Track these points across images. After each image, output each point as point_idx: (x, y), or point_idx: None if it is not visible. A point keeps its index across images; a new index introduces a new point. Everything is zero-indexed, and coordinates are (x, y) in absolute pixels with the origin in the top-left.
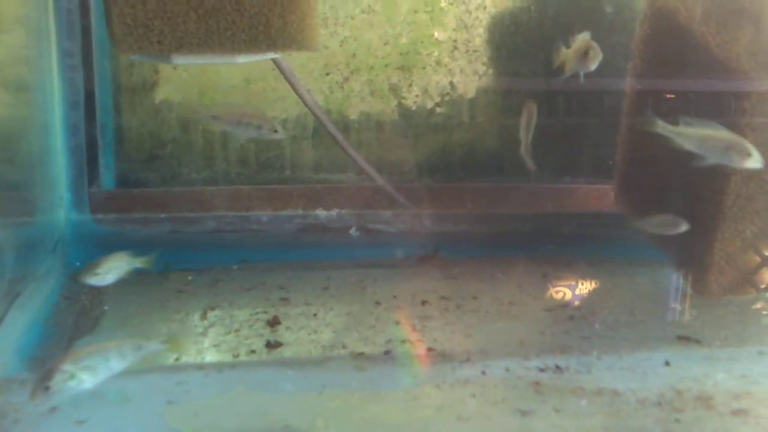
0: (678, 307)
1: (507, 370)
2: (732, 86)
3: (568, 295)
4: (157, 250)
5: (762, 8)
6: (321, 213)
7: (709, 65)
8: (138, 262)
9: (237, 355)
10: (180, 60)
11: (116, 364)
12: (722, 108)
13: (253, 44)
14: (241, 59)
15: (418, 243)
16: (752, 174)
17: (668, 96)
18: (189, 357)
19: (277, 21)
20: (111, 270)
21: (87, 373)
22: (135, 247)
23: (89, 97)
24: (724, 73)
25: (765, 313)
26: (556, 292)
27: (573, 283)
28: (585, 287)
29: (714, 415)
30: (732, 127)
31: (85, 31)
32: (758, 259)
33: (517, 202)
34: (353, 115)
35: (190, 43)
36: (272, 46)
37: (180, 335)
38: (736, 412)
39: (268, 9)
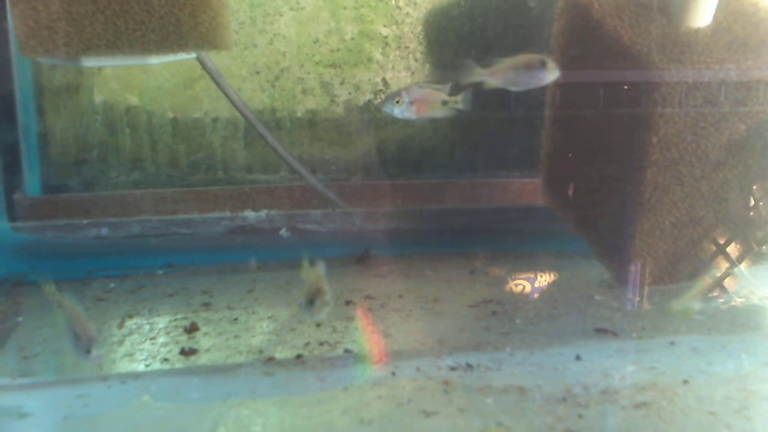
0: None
1: (418, 370)
2: (644, 78)
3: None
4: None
5: (672, 2)
6: (250, 214)
7: (622, 58)
8: None
9: (149, 365)
10: (90, 62)
11: None
12: (635, 99)
13: (164, 45)
14: (154, 60)
15: (350, 242)
16: (667, 165)
17: (585, 88)
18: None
19: (187, 20)
20: None
21: None
22: (55, 254)
23: (7, 99)
24: (637, 65)
25: (684, 301)
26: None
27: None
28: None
29: (617, 409)
30: (645, 117)
31: (2, 33)
32: (679, 250)
33: (451, 197)
34: (283, 113)
35: (98, 45)
36: (184, 46)
37: None
38: (639, 405)
39: (178, 9)
